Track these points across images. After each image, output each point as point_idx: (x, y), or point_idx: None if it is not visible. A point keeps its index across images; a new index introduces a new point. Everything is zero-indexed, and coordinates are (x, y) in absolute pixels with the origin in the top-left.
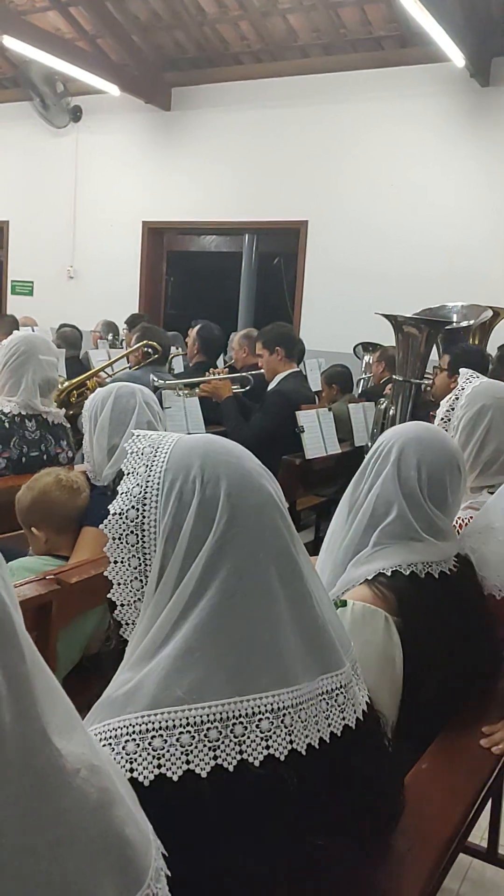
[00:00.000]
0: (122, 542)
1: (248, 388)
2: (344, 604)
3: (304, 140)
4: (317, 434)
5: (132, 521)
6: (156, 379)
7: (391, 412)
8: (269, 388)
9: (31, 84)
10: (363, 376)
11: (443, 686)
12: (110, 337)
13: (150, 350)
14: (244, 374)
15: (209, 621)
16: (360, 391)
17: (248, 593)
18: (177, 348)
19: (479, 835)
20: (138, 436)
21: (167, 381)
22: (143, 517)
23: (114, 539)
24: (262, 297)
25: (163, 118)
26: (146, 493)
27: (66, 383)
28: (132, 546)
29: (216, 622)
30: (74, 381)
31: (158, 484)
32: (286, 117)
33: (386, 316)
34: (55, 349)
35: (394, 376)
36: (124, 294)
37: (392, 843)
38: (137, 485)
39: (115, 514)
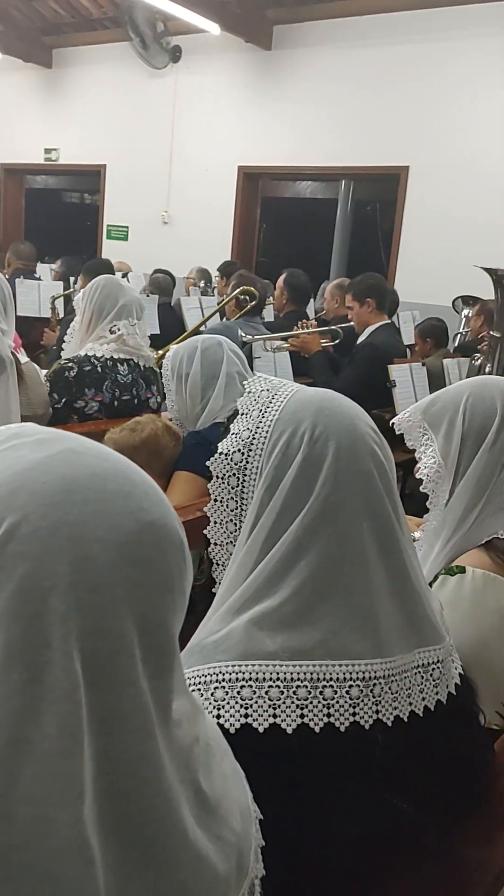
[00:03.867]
0: (224, 483)
1: (337, 341)
2: (462, 570)
3: (410, 80)
4: (409, 389)
5: (236, 464)
6: (244, 334)
7: (487, 369)
8: (359, 340)
9: (132, 23)
10: (461, 331)
11: None
12: (202, 284)
13: (246, 298)
14: (333, 327)
15: (307, 584)
16: (455, 346)
17: (347, 561)
18: (269, 297)
19: None
20: (258, 377)
21: (255, 336)
22: (247, 462)
23: (217, 478)
24: (356, 246)
25: (263, 58)
26: (254, 438)
27: (163, 349)
28: (232, 488)
29: (314, 585)
30: (175, 342)
31: (267, 432)
32: (393, 56)
33: (486, 269)
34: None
35: (491, 332)
36: (217, 240)
37: (480, 813)
38: (247, 428)
39: (222, 452)
